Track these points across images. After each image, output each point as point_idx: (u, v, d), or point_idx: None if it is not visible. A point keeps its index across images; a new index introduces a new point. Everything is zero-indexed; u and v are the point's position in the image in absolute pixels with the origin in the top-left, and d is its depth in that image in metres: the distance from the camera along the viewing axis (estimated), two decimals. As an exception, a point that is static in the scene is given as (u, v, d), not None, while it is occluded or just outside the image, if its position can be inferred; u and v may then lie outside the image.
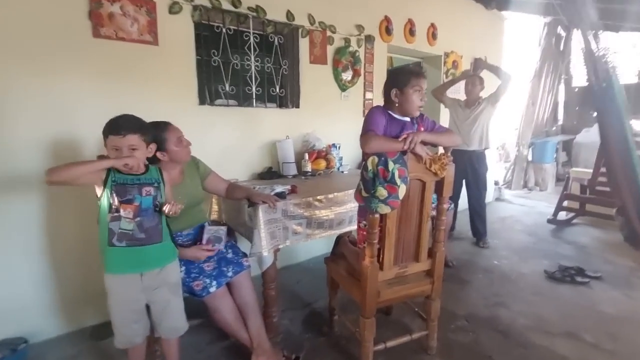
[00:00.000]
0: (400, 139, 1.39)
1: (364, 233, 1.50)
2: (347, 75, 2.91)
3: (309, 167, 2.45)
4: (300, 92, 2.66)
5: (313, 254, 2.91)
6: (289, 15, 2.49)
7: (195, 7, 2.10)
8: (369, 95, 3.13)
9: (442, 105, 3.50)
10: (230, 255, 1.68)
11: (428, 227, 1.56)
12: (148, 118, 1.95)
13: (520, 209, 4.56)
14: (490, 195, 4.85)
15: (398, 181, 1.28)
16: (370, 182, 1.30)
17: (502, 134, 6.56)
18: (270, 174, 2.47)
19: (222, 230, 1.63)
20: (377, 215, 1.38)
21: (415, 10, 3.36)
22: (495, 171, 5.11)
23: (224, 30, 2.25)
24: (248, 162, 2.49)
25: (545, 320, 2.03)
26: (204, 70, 2.21)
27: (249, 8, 2.29)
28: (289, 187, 1.93)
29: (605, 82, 2.03)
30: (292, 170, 2.50)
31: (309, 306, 2.19)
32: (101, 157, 1.49)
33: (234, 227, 2.05)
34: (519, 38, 5.89)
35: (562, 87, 6.15)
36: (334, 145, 2.81)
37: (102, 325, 1.90)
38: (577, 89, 6.28)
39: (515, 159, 5.62)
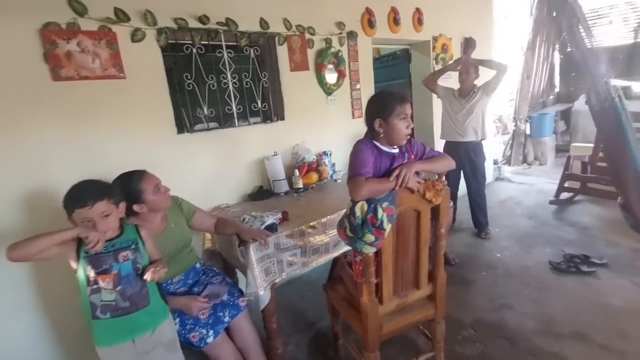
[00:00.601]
0: (391, 179, 1.29)
1: (360, 268, 1.44)
2: (331, 78, 2.77)
3: (300, 184, 2.37)
4: (284, 103, 2.54)
5: (314, 264, 2.87)
6: (263, 23, 2.33)
7: (159, 31, 1.95)
8: (356, 94, 3.00)
9: (434, 95, 3.36)
10: (225, 297, 1.63)
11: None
12: (125, 157, 1.90)
13: (520, 188, 4.50)
14: (489, 175, 4.78)
15: (385, 224, 1.20)
16: (357, 227, 1.22)
17: (498, 105, 6.40)
18: (262, 193, 2.39)
19: (224, 290, 1.60)
20: (371, 254, 1.32)
21: (398, -3, 3.17)
22: (493, 148, 5.01)
23: (194, 50, 2.11)
24: (237, 184, 2.40)
25: (553, 320, 2.00)
26: (179, 97, 2.09)
27: (218, 23, 2.14)
28: (279, 215, 1.85)
29: (608, 103, 1.90)
30: (284, 187, 2.42)
31: (313, 326, 2.17)
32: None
33: (228, 259, 2.00)
34: (510, 10, 5.64)
35: (557, 53, 5.94)
36: (325, 153, 2.72)
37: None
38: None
39: (513, 134, 5.50)
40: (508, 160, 5.60)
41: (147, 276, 1.21)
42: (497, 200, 4.06)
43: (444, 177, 1.49)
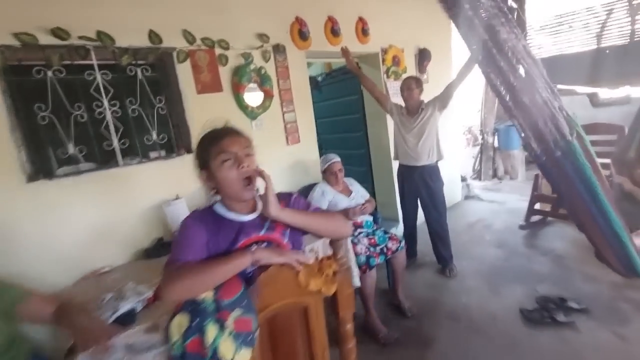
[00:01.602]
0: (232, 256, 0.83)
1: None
2: (254, 100, 2.33)
3: (207, 234, 1.88)
4: (191, 133, 2.07)
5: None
6: (153, 36, 1.88)
7: (-9, 50, 1.47)
8: (289, 117, 2.56)
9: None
10: None
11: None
12: None
13: (490, 207, 4.13)
14: (458, 195, 4.42)
15: (229, 353, 0.74)
16: (177, 358, 0.75)
17: (466, 117, 6.14)
18: (159, 248, 1.90)
19: None
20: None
21: (336, 5, 2.79)
22: (462, 162, 4.68)
23: (49, 73, 1.63)
24: (128, 239, 1.89)
25: (523, 403, 1.57)
26: (28, 134, 1.59)
27: (82, 37, 1.67)
28: (149, 294, 1.36)
29: (560, 151, 1.50)
30: (190, 237, 1.93)
31: None
32: None
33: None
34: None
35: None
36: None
37: None
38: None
39: (482, 148, 5.20)
40: (478, 175, 5.29)
41: None
42: (465, 224, 3.68)
43: (340, 253, 1.04)
